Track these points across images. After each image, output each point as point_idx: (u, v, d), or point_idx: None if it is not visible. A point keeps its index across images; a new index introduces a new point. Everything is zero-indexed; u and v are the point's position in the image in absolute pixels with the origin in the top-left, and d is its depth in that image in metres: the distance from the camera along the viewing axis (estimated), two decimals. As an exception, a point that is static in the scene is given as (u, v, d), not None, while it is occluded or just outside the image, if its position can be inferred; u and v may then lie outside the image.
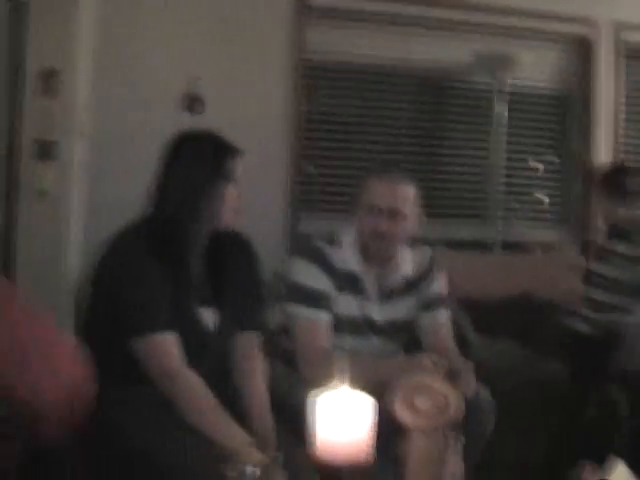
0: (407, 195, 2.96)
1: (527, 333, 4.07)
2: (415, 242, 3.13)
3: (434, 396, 2.15)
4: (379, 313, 3.03)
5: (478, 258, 4.70)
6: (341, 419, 1.83)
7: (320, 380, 1.82)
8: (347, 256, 3.00)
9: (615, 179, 3.88)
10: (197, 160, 2.51)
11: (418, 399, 2.14)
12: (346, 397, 1.85)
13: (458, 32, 4.89)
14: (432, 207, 4.70)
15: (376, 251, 2.99)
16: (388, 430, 2.02)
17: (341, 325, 2.96)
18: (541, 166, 5.17)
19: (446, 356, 2.85)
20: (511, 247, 4.90)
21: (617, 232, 3.85)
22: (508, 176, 5.06)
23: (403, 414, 2.13)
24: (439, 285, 3.12)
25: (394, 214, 2.91)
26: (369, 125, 4.86)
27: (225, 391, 2.46)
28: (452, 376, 2.56)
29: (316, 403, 1.84)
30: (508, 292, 4.23)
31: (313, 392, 1.81)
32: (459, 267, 3.99)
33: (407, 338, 3.10)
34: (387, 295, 3.05)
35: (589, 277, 3.87)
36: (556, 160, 5.21)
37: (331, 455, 1.82)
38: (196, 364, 2.40)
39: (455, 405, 2.15)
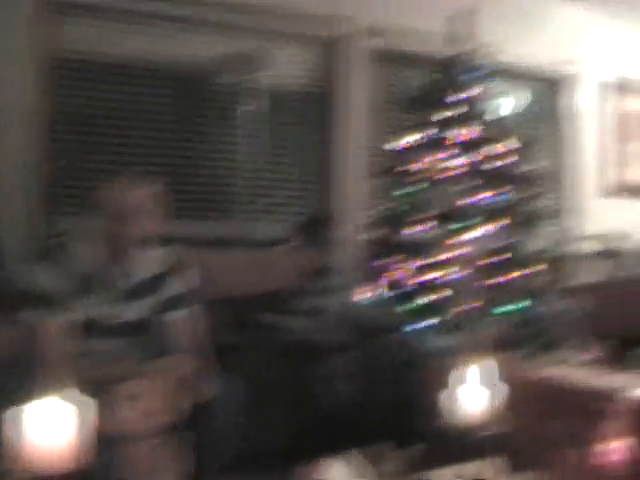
0: (141, 198, 2.98)
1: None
2: (159, 242, 3.12)
3: (151, 401, 2.14)
4: (119, 314, 2.99)
5: (230, 256, 4.73)
6: (49, 427, 1.81)
7: (54, 384, 1.80)
8: (86, 257, 2.96)
9: (310, 229, 4.31)
10: None
11: (134, 404, 2.13)
12: (55, 404, 1.83)
13: (210, 30, 4.89)
14: (184, 207, 4.74)
15: (113, 252, 2.98)
16: (106, 435, 2.01)
17: (81, 327, 2.91)
18: (290, 165, 5.23)
19: (185, 357, 2.88)
20: (264, 245, 4.96)
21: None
22: (258, 176, 5.08)
23: (119, 419, 2.12)
24: (181, 285, 3.12)
25: (127, 217, 2.92)
26: (119, 123, 4.74)
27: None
28: (185, 379, 2.59)
29: (24, 412, 1.80)
30: (259, 289, 4.27)
31: (21, 402, 1.78)
32: (210, 265, 4.02)
33: (148, 339, 3.08)
34: (127, 296, 3.02)
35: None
36: (305, 159, 5.29)
37: (39, 462, 1.80)
38: None
39: (174, 409, 2.15)
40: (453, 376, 2.50)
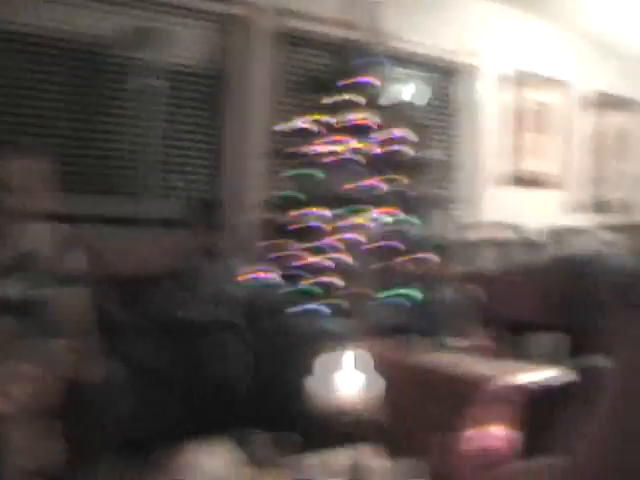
0: (29, 170, 2.93)
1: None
2: (47, 217, 3.05)
3: (28, 382, 2.10)
4: (5, 291, 2.91)
5: (128, 234, 4.65)
6: None
7: None
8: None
9: (202, 209, 4.35)
10: None
11: (10, 385, 2.09)
12: None
13: (107, 3, 4.73)
14: (84, 183, 4.63)
15: None
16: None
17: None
18: (185, 144, 5.15)
19: (69, 338, 2.81)
20: (165, 224, 4.88)
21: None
22: (163, 152, 4.95)
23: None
24: (67, 262, 3.06)
25: (12, 189, 2.89)
26: (18, 96, 4.52)
27: None
28: (68, 360, 2.55)
29: None
30: (157, 268, 4.20)
31: None
32: (99, 243, 3.94)
33: (30, 317, 2.99)
34: (8, 270, 2.94)
35: None
36: (200, 139, 5.19)
37: None
38: None
39: (53, 391, 2.12)
40: (332, 361, 2.50)
